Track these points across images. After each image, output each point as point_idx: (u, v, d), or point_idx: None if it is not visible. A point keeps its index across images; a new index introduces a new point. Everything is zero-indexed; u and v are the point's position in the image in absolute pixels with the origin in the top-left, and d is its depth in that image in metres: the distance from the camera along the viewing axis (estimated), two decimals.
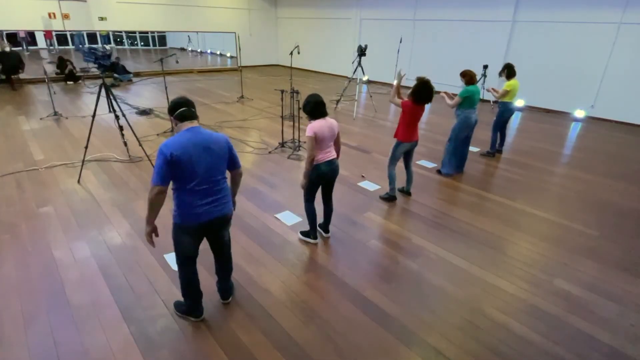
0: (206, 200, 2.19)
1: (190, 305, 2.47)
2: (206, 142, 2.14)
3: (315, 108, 3.04)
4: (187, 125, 2.16)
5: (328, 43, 14.50)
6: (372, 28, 12.91)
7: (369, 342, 2.39)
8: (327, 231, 3.58)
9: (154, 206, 2.11)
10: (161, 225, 2.45)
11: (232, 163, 2.34)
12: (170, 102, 2.23)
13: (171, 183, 2.14)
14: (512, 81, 5.54)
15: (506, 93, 5.54)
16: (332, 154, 3.17)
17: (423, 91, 3.87)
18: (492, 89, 5.85)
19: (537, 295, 2.87)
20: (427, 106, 9.65)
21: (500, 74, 5.82)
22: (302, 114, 3.22)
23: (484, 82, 9.68)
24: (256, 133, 6.74)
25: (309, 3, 14.65)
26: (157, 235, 2.28)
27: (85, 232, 3.49)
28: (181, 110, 2.16)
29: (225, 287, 2.65)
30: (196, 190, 2.15)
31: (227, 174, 2.37)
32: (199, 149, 2.10)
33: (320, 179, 3.19)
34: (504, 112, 5.71)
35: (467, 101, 4.79)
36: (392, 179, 4.26)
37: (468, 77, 4.80)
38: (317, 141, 3.02)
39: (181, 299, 2.52)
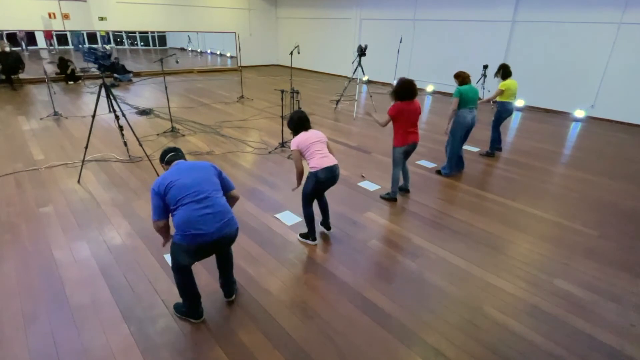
0: (204, 217, 2.18)
1: (189, 306, 2.47)
2: (190, 165, 2.36)
3: (299, 124, 3.14)
4: (174, 164, 2.40)
5: (328, 43, 14.50)
6: (372, 28, 12.91)
7: (369, 342, 2.39)
8: (328, 227, 3.59)
9: (162, 233, 2.37)
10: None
11: (225, 186, 2.45)
12: (161, 152, 2.49)
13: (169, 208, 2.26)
14: (508, 81, 5.57)
15: (500, 92, 5.56)
16: (331, 160, 3.13)
17: (402, 86, 3.86)
18: (486, 100, 5.97)
19: (537, 295, 2.87)
20: (427, 106, 9.72)
21: (495, 75, 5.85)
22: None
23: (484, 82, 9.69)
24: (256, 133, 6.74)
25: (309, 3, 14.65)
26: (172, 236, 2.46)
27: (85, 232, 3.49)
28: (169, 156, 2.43)
29: (228, 283, 2.65)
30: (190, 206, 2.17)
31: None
32: (184, 171, 2.29)
33: (319, 186, 3.16)
34: (502, 112, 5.73)
35: (462, 101, 4.81)
36: (394, 182, 4.26)
37: (461, 79, 4.85)
38: (303, 151, 3.08)
39: (181, 300, 2.52)
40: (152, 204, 2.25)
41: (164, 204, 2.23)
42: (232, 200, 2.54)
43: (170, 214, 2.26)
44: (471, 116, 4.88)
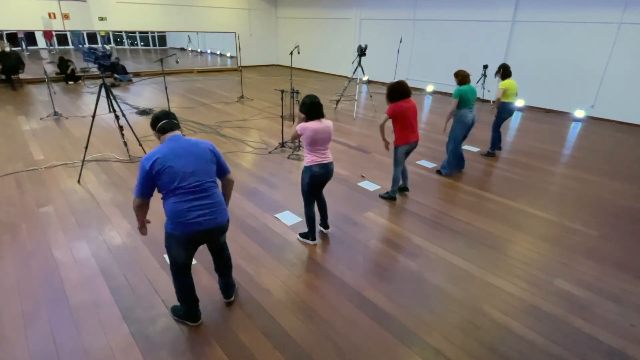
0: (195, 208, 2.14)
1: (186, 310, 2.46)
2: (187, 147, 2.17)
3: (311, 109, 3.02)
4: (169, 136, 2.21)
5: (328, 43, 14.49)
6: (372, 28, 12.91)
7: (369, 342, 2.39)
8: (326, 227, 3.60)
9: (138, 213, 2.29)
10: (161, 224, 2.45)
11: (220, 169, 2.34)
12: (151, 117, 2.27)
13: (160, 191, 2.18)
14: (507, 81, 5.57)
15: (502, 93, 5.56)
16: (328, 158, 3.16)
17: (395, 87, 3.91)
18: (493, 102, 5.91)
19: (537, 295, 2.87)
20: (427, 106, 9.72)
21: (495, 75, 5.85)
22: (300, 115, 3.21)
23: (484, 82, 9.69)
24: (256, 133, 6.74)
25: (309, 3, 14.65)
26: (149, 222, 2.41)
27: (85, 232, 3.49)
28: (162, 123, 2.21)
29: (227, 285, 2.64)
30: (183, 196, 2.12)
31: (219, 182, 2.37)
32: (180, 155, 2.13)
33: (314, 180, 3.18)
34: (502, 112, 5.73)
35: (462, 101, 4.80)
36: (395, 182, 4.27)
37: (460, 77, 4.82)
38: (307, 141, 3.04)
39: (178, 303, 2.51)
40: (138, 179, 2.12)
41: (151, 183, 2.11)
42: (228, 184, 2.44)
43: (161, 198, 2.18)
44: (471, 116, 4.89)
